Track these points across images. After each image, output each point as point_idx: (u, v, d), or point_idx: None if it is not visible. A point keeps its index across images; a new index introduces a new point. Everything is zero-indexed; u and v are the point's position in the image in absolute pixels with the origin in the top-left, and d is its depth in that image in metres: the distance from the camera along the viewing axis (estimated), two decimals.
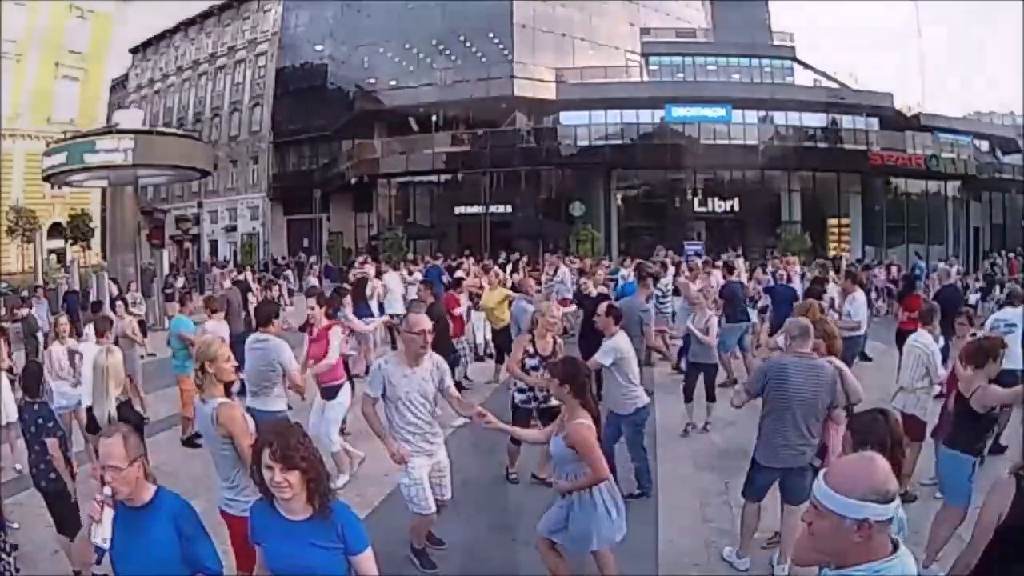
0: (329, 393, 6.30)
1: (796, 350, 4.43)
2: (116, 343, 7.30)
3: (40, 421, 4.59)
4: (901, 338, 8.05)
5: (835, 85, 36.79)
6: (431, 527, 4.73)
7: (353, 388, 6.82)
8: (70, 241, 28.80)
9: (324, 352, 6.26)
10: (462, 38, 34.56)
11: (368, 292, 11.01)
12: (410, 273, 14.73)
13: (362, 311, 9.90)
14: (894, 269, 18.38)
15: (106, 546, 2.47)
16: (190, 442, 7.22)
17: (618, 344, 5.61)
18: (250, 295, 11.88)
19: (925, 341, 5.81)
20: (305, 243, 37.36)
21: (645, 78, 35.74)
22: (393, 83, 35.90)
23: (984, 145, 36.60)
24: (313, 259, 30.71)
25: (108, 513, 2.47)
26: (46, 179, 20.09)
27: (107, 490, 2.50)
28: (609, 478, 3.86)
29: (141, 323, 13.13)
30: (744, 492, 4.66)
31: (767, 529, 4.76)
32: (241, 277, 16.04)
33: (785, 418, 4.36)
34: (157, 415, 8.07)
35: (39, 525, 5.10)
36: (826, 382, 4.35)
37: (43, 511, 4.93)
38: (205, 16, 46.55)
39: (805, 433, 4.35)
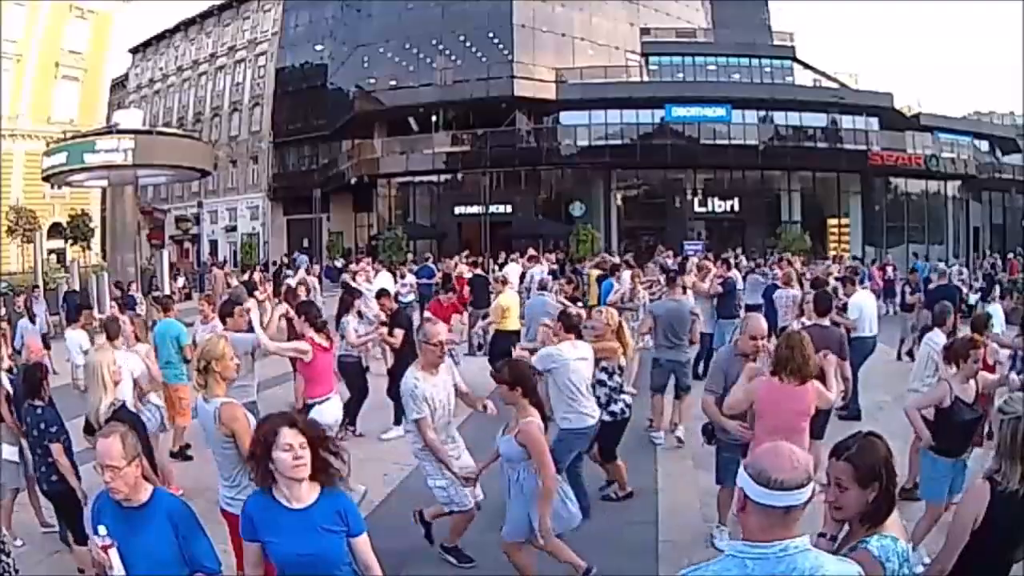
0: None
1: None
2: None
3: (43, 425, 4.55)
4: None
5: (835, 85, 36.83)
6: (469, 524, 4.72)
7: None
8: (70, 241, 28.80)
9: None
10: (462, 38, 34.55)
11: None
12: (402, 276, 14.70)
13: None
14: (889, 269, 18.22)
15: None
16: (180, 454, 6.88)
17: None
18: (257, 293, 11.81)
19: (937, 340, 5.87)
20: (305, 243, 37.37)
21: (645, 78, 35.73)
22: (393, 83, 35.87)
23: (984, 145, 36.64)
24: (305, 258, 30.63)
25: (114, 554, 2.48)
26: (46, 179, 20.10)
27: (102, 530, 2.51)
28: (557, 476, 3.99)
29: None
30: None
31: None
32: (245, 277, 16.01)
33: None
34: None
35: (39, 525, 5.11)
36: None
37: (43, 511, 4.94)
38: (205, 16, 46.57)
39: None
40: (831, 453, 2.29)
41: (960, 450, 4.47)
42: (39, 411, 4.63)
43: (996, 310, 8.30)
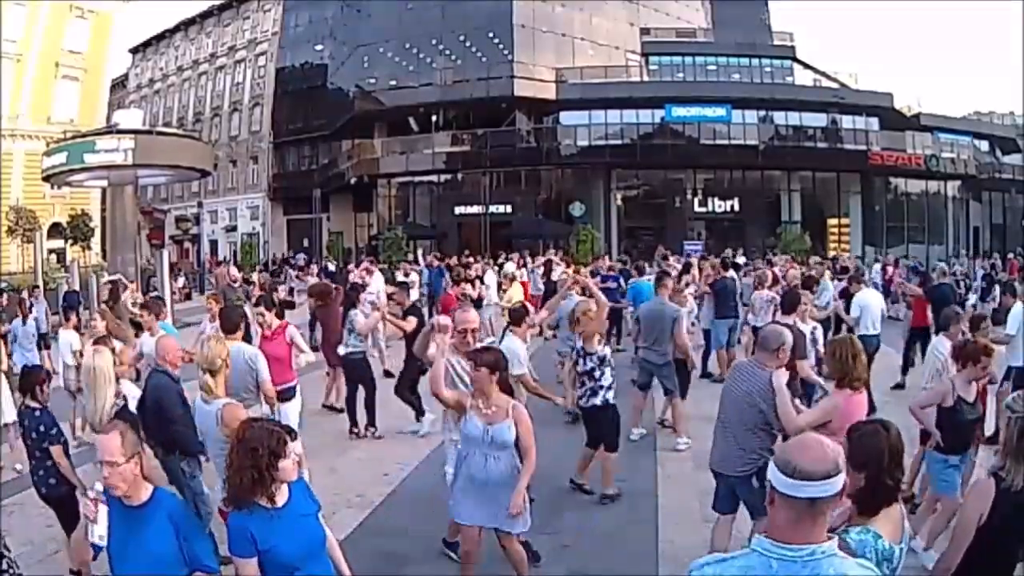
0: (285, 395, 5.74)
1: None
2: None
3: (42, 428, 4.53)
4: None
5: (835, 85, 36.84)
6: None
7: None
8: (70, 241, 28.81)
9: (285, 350, 6.07)
10: (462, 38, 34.58)
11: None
12: (406, 274, 14.78)
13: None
14: (890, 269, 18.06)
15: (103, 544, 2.47)
16: None
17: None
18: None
19: (943, 349, 5.71)
20: (305, 243, 37.39)
21: (645, 78, 35.76)
22: (393, 83, 35.91)
23: (984, 145, 36.67)
24: (302, 257, 30.62)
25: (103, 510, 2.48)
26: (46, 179, 20.07)
27: (98, 486, 2.50)
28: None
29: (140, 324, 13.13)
30: None
31: None
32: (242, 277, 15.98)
33: None
34: None
35: (39, 525, 5.11)
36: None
37: (43, 511, 4.92)
38: (205, 16, 46.62)
39: None
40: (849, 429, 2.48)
41: (963, 447, 4.50)
42: (37, 414, 4.61)
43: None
